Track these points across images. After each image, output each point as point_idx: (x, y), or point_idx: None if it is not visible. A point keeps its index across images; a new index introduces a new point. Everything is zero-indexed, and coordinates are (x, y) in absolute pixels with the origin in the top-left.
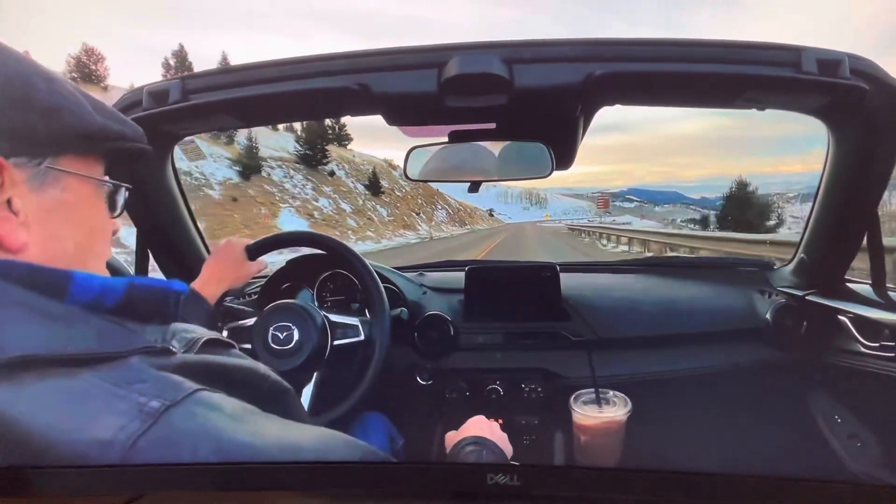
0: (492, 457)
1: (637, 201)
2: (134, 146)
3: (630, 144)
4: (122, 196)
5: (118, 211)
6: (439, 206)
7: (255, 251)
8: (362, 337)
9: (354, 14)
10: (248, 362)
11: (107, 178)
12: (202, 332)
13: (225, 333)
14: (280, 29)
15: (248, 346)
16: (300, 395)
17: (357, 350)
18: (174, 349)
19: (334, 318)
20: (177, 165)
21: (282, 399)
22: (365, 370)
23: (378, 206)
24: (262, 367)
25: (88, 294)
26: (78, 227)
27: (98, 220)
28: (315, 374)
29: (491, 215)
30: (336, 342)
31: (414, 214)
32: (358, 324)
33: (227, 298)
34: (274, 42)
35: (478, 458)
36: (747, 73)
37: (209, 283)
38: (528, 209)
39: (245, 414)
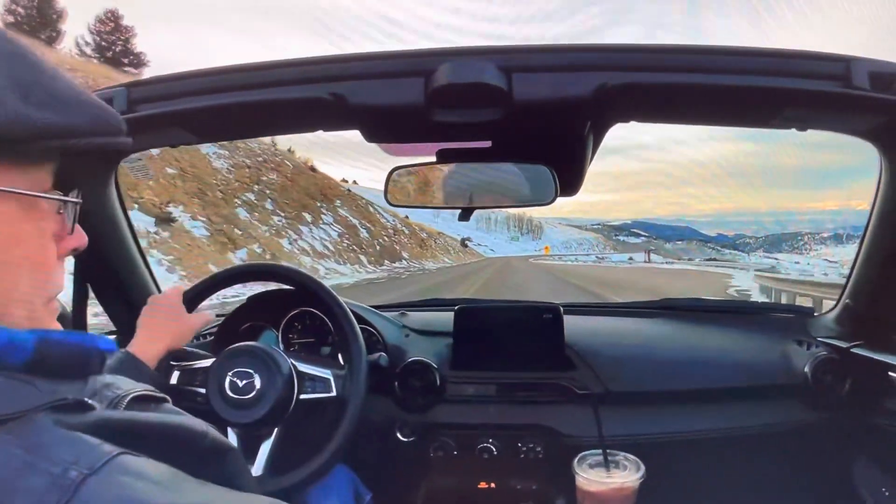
0: None
1: (644, 236)
2: (95, 141)
3: (635, 171)
4: (70, 210)
5: (71, 229)
6: (323, 221)
7: (191, 300)
8: (334, 393)
9: (323, 12)
10: (182, 418)
11: (43, 191)
12: (129, 387)
13: (177, 374)
14: (238, 27)
15: (203, 389)
16: (257, 452)
17: (327, 406)
18: (93, 404)
19: (302, 367)
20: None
21: (223, 460)
22: (334, 430)
23: None
24: (199, 424)
25: None
26: None
27: (30, 249)
28: (276, 429)
29: (465, 246)
30: (303, 396)
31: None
32: (330, 377)
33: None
34: (230, 43)
35: None
36: (787, 86)
37: (143, 344)
38: (516, 239)
39: (176, 481)
